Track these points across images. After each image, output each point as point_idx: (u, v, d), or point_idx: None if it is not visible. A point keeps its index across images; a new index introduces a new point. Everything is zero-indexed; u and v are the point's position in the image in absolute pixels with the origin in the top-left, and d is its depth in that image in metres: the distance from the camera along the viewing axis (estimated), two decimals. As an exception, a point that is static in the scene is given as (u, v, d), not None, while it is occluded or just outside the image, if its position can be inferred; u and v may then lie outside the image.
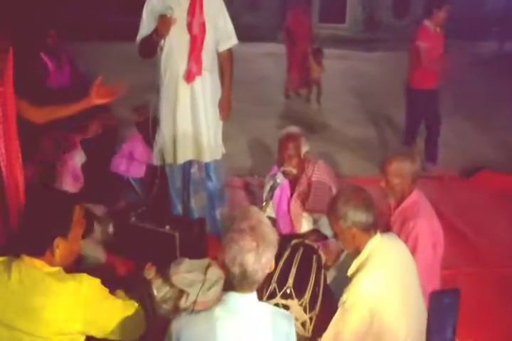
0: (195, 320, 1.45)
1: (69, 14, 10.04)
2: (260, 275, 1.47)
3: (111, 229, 2.87)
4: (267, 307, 1.54)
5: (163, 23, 2.63)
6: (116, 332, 1.66)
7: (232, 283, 1.46)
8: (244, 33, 11.88)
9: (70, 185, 2.84)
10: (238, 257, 1.43)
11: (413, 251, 2.25)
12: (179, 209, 3.04)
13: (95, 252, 2.74)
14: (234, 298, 1.46)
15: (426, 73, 4.32)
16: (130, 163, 3.34)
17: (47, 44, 3.50)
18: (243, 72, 8.42)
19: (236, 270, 1.43)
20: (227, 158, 4.59)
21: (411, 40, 4.39)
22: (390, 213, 2.57)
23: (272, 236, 1.49)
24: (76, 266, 1.77)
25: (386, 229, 2.51)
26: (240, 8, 12.40)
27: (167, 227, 2.74)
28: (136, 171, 3.32)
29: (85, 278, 1.60)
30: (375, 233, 2.04)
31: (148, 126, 2.82)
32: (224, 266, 1.46)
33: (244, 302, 1.47)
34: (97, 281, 1.63)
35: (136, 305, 1.77)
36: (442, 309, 1.41)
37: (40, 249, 1.58)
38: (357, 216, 1.97)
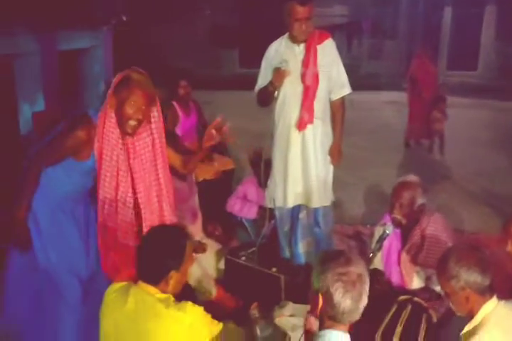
0: None
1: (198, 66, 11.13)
2: (355, 315, 1.58)
3: (222, 265, 3.01)
4: None
5: (278, 75, 2.80)
6: None
7: (331, 318, 1.57)
8: (366, 81, 12.05)
9: (189, 221, 3.06)
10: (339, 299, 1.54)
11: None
12: (287, 252, 3.09)
13: (208, 285, 2.88)
14: (327, 333, 1.56)
15: None
16: (244, 204, 3.50)
17: (179, 94, 3.85)
18: (364, 120, 8.49)
19: (336, 308, 1.54)
20: (341, 205, 4.60)
21: None
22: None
23: (365, 287, 1.60)
24: (189, 297, 1.89)
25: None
26: (360, 58, 12.62)
27: (274, 269, 2.80)
28: (249, 212, 3.47)
29: (189, 306, 1.71)
30: (491, 297, 1.89)
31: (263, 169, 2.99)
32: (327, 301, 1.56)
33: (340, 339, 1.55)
34: (200, 309, 1.74)
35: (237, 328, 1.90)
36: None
37: (156, 279, 1.73)
38: (471, 276, 1.85)
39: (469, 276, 1.84)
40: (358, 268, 1.60)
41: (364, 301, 1.58)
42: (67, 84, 5.19)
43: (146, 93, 2.13)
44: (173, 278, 1.74)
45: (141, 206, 2.27)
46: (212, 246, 3.16)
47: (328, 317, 1.58)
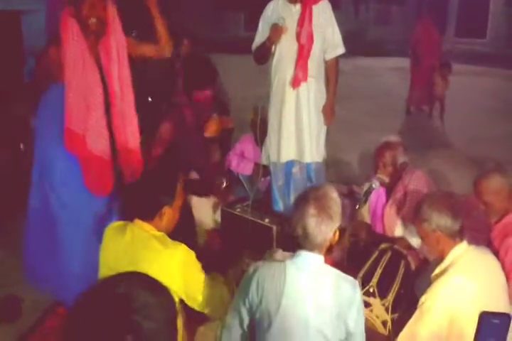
0: (270, 265, 1.71)
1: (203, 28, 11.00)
2: (320, 240, 1.66)
3: (218, 216, 3.20)
4: (331, 270, 1.70)
5: (275, 31, 2.90)
6: (201, 303, 1.87)
7: (298, 244, 1.68)
8: (373, 47, 11.87)
9: (194, 175, 3.26)
10: (301, 220, 1.64)
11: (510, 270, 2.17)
12: (280, 205, 3.26)
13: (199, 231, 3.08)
14: (303, 254, 1.68)
15: None
16: (240, 161, 3.65)
17: (181, 52, 3.95)
18: (367, 86, 8.52)
19: (299, 231, 1.65)
20: (338, 166, 4.74)
21: None
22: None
23: (334, 210, 1.67)
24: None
25: (487, 244, 2.45)
26: (366, 23, 12.44)
27: (266, 220, 2.98)
28: (245, 168, 3.62)
29: (183, 247, 1.84)
30: (461, 241, 2.03)
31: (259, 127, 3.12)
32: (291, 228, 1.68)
33: (311, 261, 1.67)
34: (192, 253, 1.86)
35: (224, 285, 1.99)
36: (490, 330, 1.40)
37: (151, 215, 1.88)
38: (441, 220, 1.98)
39: (440, 220, 1.97)
40: (317, 192, 1.68)
41: (329, 225, 1.64)
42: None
43: None
44: (167, 214, 1.88)
45: (115, 109, 2.33)
46: (210, 199, 3.34)
47: (297, 240, 1.69)
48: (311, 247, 1.67)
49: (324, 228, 1.64)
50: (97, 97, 2.30)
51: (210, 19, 12.26)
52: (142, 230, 1.87)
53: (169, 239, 1.89)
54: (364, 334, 1.72)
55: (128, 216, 2.01)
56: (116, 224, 1.98)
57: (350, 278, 1.72)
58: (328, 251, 2.23)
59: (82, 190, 2.38)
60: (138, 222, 1.90)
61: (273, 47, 3.00)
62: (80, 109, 2.28)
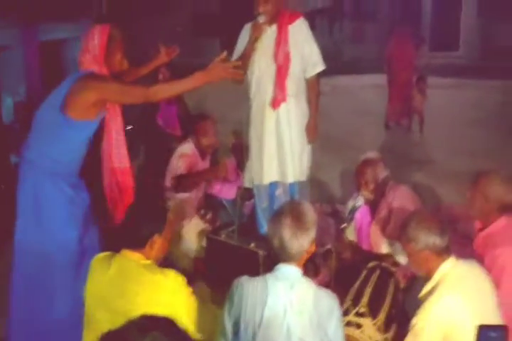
0: (253, 279, 1.77)
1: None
2: (296, 251, 1.71)
3: (204, 243, 3.16)
4: (310, 282, 1.75)
5: (256, 27, 2.89)
6: (194, 328, 1.82)
7: (276, 256, 1.74)
8: (349, 66, 11.98)
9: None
10: (277, 232, 1.70)
11: (498, 282, 2.13)
12: (265, 228, 3.23)
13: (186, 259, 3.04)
14: (280, 266, 1.74)
15: None
16: (223, 185, 3.63)
17: (158, 80, 3.96)
18: (345, 104, 8.59)
19: (276, 242, 1.72)
20: (320, 185, 4.73)
21: None
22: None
23: (310, 220, 1.74)
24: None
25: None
26: (342, 42, 12.69)
27: (252, 245, 2.94)
28: (228, 193, 3.60)
29: (172, 273, 1.83)
30: (449, 257, 2.01)
31: (241, 151, 3.12)
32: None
33: (289, 272, 1.73)
34: (181, 278, 1.84)
35: (215, 309, 1.96)
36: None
37: (142, 243, 1.84)
38: (430, 239, 1.96)
39: (428, 239, 1.95)
40: (291, 205, 1.78)
41: (305, 235, 1.70)
42: (50, 74, 5.24)
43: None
44: (157, 243, 1.85)
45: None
46: (198, 226, 3.30)
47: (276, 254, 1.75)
48: (288, 258, 1.72)
49: (300, 238, 1.70)
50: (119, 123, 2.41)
51: (186, 44, 12.39)
52: (129, 260, 1.84)
53: (157, 267, 1.86)
54: None
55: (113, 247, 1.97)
56: (102, 255, 1.94)
57: (329, 291, 1.77)
58: (315, 273, 2.22)
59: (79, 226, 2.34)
60: (125, 252, 1.86)
61: (250, 68, 2.98)
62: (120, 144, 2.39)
